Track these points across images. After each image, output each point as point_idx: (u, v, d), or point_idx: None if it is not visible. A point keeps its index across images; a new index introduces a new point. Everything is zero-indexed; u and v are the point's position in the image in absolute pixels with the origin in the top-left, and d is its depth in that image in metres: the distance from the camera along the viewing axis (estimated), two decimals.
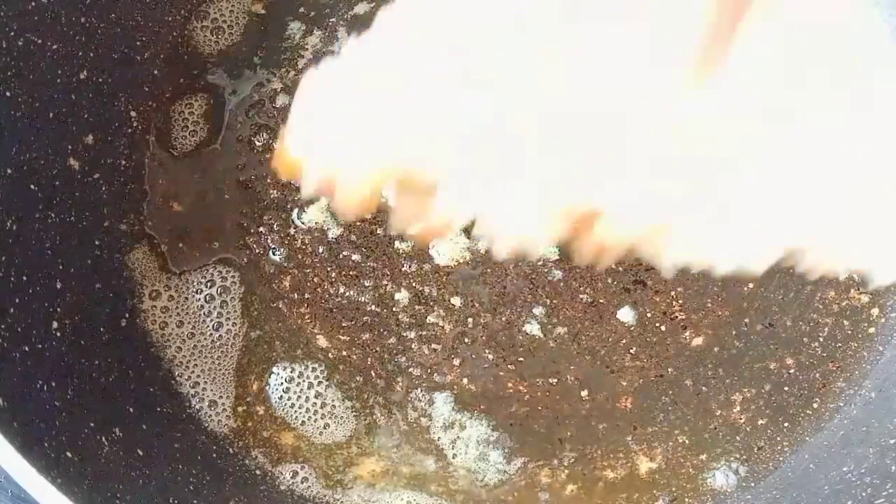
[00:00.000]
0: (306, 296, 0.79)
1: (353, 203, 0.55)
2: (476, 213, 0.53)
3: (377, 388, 0.77)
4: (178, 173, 0.84)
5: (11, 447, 0.60)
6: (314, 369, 0.77)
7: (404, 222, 0.56)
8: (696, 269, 0.56)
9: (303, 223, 0.81)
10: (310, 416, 0.76)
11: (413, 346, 0.78)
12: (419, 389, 0.76)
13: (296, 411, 0.76)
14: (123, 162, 0.84)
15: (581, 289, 0.78)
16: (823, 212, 0.53)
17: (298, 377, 0.77)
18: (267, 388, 0.77)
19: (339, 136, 0.53)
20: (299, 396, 0.76)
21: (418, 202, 0.54)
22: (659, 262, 0.56)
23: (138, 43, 0.86)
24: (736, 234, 0.54)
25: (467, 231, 0.55)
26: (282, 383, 0.77)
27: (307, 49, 0.88)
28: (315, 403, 0.76)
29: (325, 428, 0.76)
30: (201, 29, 0.89)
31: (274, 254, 0.80)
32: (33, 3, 0.77)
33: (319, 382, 0.77)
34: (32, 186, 0.76)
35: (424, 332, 0.78)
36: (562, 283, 0.78)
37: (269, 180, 0.83)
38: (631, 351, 0.76)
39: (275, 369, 0.77)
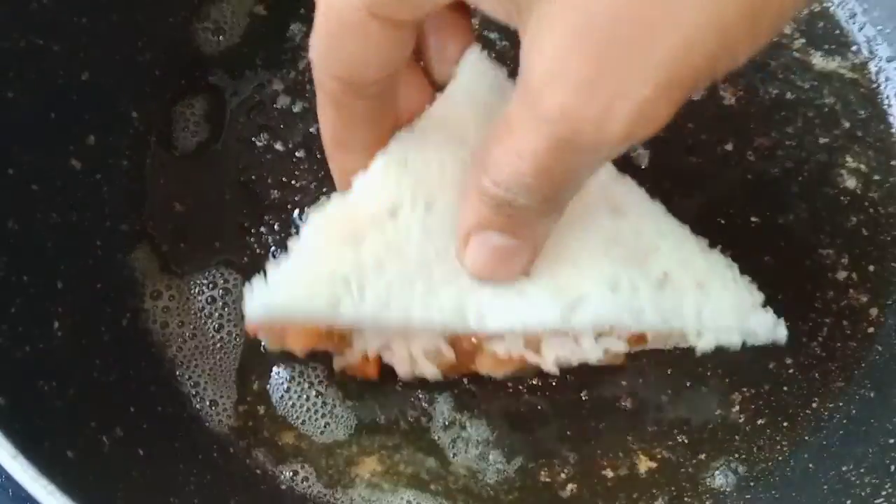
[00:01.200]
0: None
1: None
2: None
3: (377, 388, 0.77)
4: (180, 174, 0.84)
5: (12, 447, 0.61)
6: (314, 368, 0.77)
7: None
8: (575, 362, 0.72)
9: (304, 224, 0.81)
10: (310, 416, 0.76)
11: None
12: (419, 390, 0.77)
13: (296, 410, 0.76)
14: (125, 162, 0.84)
15: None
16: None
17: (299, 376, 0.77)
18: (268, 387, 0.77)
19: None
20: (300, 395, 0.76)
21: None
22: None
23: (140, 44, 0.87)
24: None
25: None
26: (282, 383, 0.77)
27: (308, 50, 0.88)
28: (316, 403, 0.76)
29: (325, 427, 0.76)
30: (202, 30, 0.89)
31: (275, 255, 0.80)
32: (35, 4, 0.77)
33: (320, 382, 0.77)
34: (34, 186, 0.76)
35: None
36: None
37: (269, 181, 0.83)
38: (630, 352, 0.76)
39: (275, 369, 0.77)
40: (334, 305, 0.68)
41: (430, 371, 0.73)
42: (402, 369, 0.73)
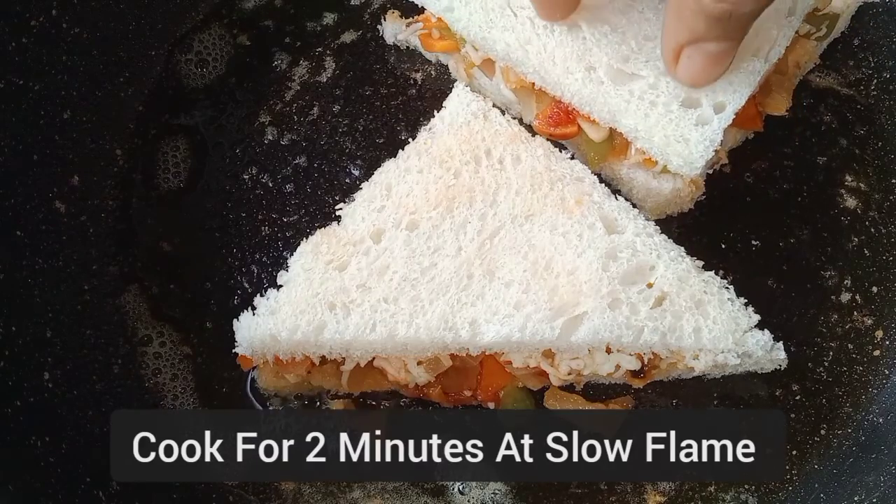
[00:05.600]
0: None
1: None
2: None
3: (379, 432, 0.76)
4: (166, 212, 0.82)
5: None
6: (316, 412, 0.76)
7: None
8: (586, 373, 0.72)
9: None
10: (312, 461, 0.74)
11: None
12: (421, 442, 0.75)
13: (297, 455, 0.74)
14: (110, 202, 0.82)
15: None
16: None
17: (296, 423, 0.75)
18: (267, 433, 0.75)
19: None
20: (301, 440, 0.75)
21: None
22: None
23: (122, 79, 0.84)
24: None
25: None
26: (282, 428, 0.75)
27: (294, 80, 0.87)
28: (318, 448, 0.75)
29: (329, 471, 0.74)
30: (185, 62, 0.87)
31: (265, 293, 0.77)
32: (13, 45, 0.75)
33: (322, 426, 0.75)
34: (18, 232, 0.74)
35: None
36: None
37: (259, 217, 0.81)
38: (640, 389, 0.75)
39: (274, 415, 0.75)
40: (319, 330, 0.70)
41: (423, 377, 0.73)
42: (394, 375, 0.74)
